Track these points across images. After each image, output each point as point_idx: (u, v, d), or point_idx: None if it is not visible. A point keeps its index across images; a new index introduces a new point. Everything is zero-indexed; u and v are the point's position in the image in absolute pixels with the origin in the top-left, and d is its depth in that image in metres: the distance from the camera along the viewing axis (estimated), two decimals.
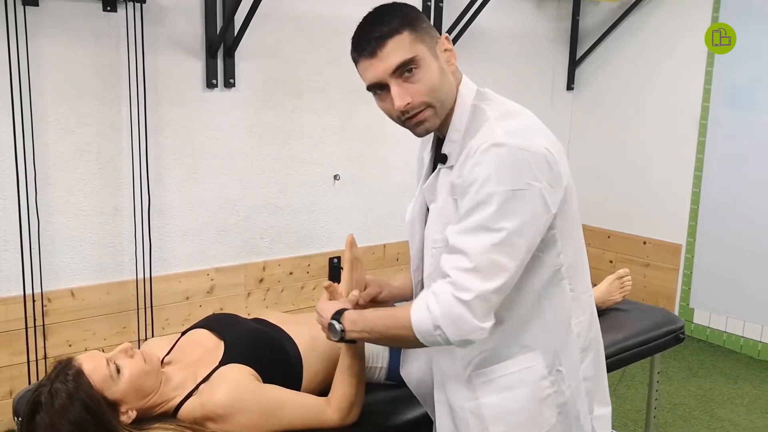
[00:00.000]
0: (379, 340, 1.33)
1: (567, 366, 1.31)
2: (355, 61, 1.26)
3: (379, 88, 1.24)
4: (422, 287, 1.37)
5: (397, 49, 1.19)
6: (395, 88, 1.21)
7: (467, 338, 1.16)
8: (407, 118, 1.24)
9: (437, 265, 1.22)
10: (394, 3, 1.27)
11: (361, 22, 1.26)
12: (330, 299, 1.43)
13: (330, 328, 1.33)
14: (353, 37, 1.26)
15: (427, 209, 1.34)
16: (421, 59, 1.20)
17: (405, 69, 1.20)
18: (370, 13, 1.26)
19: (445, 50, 1.26)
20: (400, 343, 1.31)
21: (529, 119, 1.27)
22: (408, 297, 1.54)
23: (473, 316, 1.15)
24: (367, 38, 1.22)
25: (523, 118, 1.26)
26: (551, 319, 1.28)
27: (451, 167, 1.26)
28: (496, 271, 1.15)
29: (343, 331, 1.31)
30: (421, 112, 1.23)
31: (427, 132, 1.28)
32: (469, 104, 1.28)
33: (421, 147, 1.46)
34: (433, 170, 1.33)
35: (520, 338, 1.27)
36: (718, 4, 3.33)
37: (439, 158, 1.30)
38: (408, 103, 1.21)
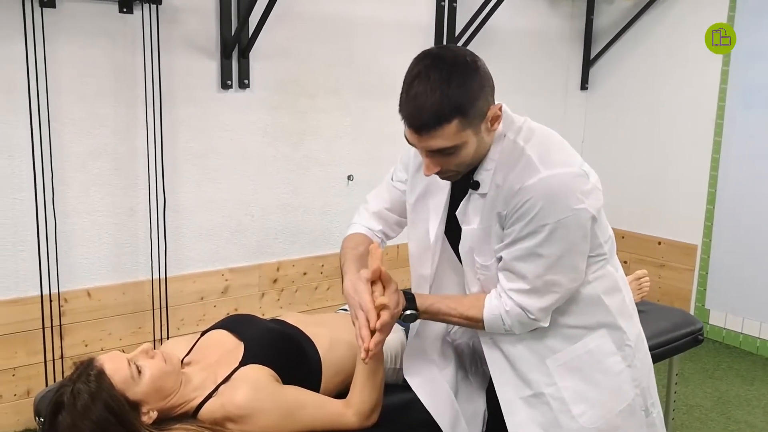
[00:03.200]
0: (441, 322, 1.48)
1: (635, 340, 1.43)
2: (400, 113, 1.25)
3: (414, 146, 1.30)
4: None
5: (442, 137, 1.22)
6: (426, 160, 1.28)
7: (531, 329, 1.37)
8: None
9: (492, 282, 1.37)
10: (459, 61, 1.21)
11: (417, 74, 1.20)
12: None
13: (408, 317, 1.40)
14: (403, 90, 1.23)
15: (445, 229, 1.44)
16: (462, 145, 1.24)
17: (442, 152, 1.25)
18: (429, 69, 1.20)
19: (493, 118, 1.27)
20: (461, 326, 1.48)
21: (552, 136, 1.35)
22: None
23: (539, 321, 1.35)
24: (415, 116, 1.21)
25: (550, 143, 1.33)
26: (607, 299, 1.39)
27: (484, 195, 1.33)
28: (552, 289, 1.32)
29: (418, 317, 1.41)
30: (446, 175, 1.33)
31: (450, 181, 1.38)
32: (501, 133, 1.33)
33: (417, 157, 1.47)
34: (453, 190, 1.42)
35: (583, 320, 1.38)
36: (734, 3, 3.31)
37: (469, 184, 1.36)
38: (437, 172, 1.29)
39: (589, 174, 1.31)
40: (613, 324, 1.40)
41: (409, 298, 1.40)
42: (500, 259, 1.34)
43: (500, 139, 1.32)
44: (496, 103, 1.27)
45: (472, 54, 1.26)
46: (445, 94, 1.18)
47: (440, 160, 1.27)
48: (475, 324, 1.39)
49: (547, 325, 1.35)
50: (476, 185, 1.34)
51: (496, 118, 1.28)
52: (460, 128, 1.21)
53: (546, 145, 1.32)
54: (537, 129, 1.34)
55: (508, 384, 1.42)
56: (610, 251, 1.41)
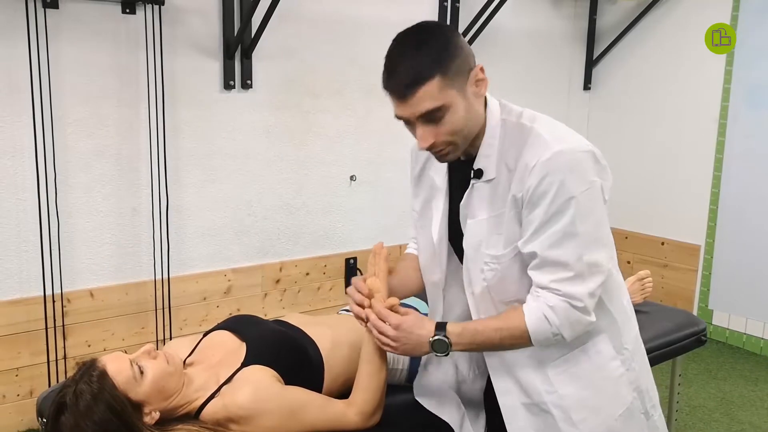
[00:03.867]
0: (484, 349, 1.39)
1: (631, 343, 1.40)
2: (384, 90, 1.25)
3: (405, 121, 1.26)
4: (456, 301, 1.44)
5: (426, 97, 1.20)
6: (419, 130, 1.24)
7: (583, 333, 1.30)
8: (431, 152, 1.29)
9: (500, 278, 1.31)
10: (428, 29, 1.23)
11: (391, 53, 1.23)
12: (393, 311, 1.38)
13: (437, 344, 1.31)
14: (385, 65, 1.23)
15: (447, 226, 1.40)
16: (448, 105, 1.21)
17: (431, 116, 1.22)
18: (402, 44, 1.22)
19: (477, 81, 1.25)
20: (506, 349, 1.36)
21: (559, 123, 1.31)
22: (402, 294, 1.56)
23: (587, 315, 1.27)
24: (397, 81, 1.21)
25: (556, 123, 1.30)
26: (608, 301, 1.36)
27: (490, 180, 1.30)
28: (594, 270, 1.26)
29: (450, 345, 1.31)
30: (443, 149, 1.27)
31: (449, 161, 1.33)
32: (498, 119, 1.30)
33: (415, 165, 1.48)
34: (452, 187, 1.39)
35: None
36: (737, 3, 3.30)
37: (472, 174, 1.32)
38: (432, 143, 1.24)
39: (599, 155, 1.28)
40: (613, 328, 1.38)
41: (440, 325, 1.32)
42: (518, 255, 1.28)
43: (499, 123, 1.29)
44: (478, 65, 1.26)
45: (446, 25, 1.28)
46: (422, 52, 1.19)
47: (432, 128, 1.23)
48: (520, 337, 1.28)
49: (594, 319, 1.27)
50: (479, 173, 1.30)
51: (481, 81, 1.25)
52: (442, 85, 1.19)
53: (553, 123, 1.29)
54: (538, 113, 1.32)
55: (509, 391, 1.39)
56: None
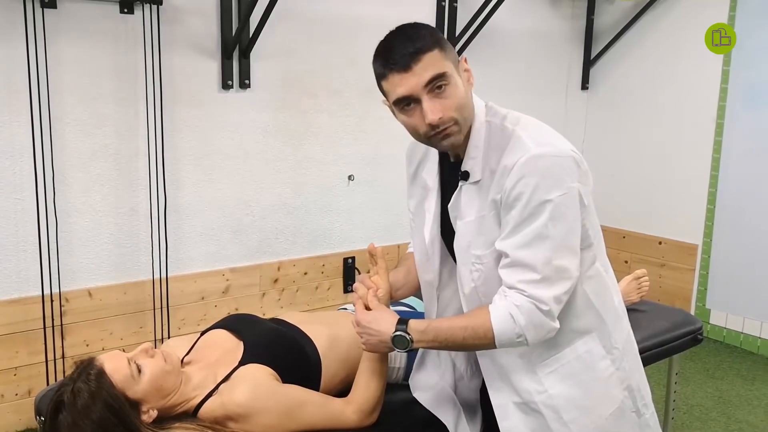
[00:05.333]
0: (448, 348, 1.40)
1: (622, 342, 1.40)
2: (383, 76, 1.27)
3: (407, 103, 1.26)
4: (453, 301, 1.45)
5: (431, 64, 1.23)
6: (427, 102, 1.24)
7: (544, 339, 1.28)
8: (435, 134, 1.27)
9: (485, 279, 1.32)
10: (418, 23, 1.28)
11: (387, 40, 1.27)
12: (366, 307, 1.41)
13: (397, 339, 1.32)
14: (380, 53, 1.27)
15: (440, 226, 1.41)
16: (450, 76, 1.24)
17: (436, 84, 1.23)
18: (397, 32, 1.27)
19: (465, 71, 1.30)
20: (470, 350, 1.40)
21: (544, 126, 1.33)
22: (402, 295, 1.59)
23: (551, 320, 1.26)
24: (401, 53, 1.23)
25: (539, 126, 1.32)
26: (596, 301, 1.36)
27: (476, 182, 1.31)
28: (562, 276, 1.26)
29: (411, 341, 1.32)
30: (449, 127, 1.27)
31: (452, 146, 1.32)
32: (483, 121, 1.32)
33: (410, 166, 1.49)
34: (444, 188, 1.40)
35: (573, 324, 1.34)
36: (734, 3, 3.31)
37: (459, 176, 1.33)
38: (440, 117, 1.24)
39: (582, 161, 1.28)
40: (602, 327, 1.38)
41: (402, 321, 1.33)
42: (500, 256, 1.28)
43: (483, 125, 1.31)
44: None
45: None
46: (418, 33, 1.25)
47: (439, 102, 1.24)
48: (484, 336, 1.27)
49: (558, 326, 1.27)
50: (466, 175, 1.32)
51: (468, 72, 1.30)
52: (442, 56, 1.24)
53: (535, 126, 1.31)
54: (524, 116, 1.34)
55: (500, 391, 1.40)
56: (597, 245, 1.36)
